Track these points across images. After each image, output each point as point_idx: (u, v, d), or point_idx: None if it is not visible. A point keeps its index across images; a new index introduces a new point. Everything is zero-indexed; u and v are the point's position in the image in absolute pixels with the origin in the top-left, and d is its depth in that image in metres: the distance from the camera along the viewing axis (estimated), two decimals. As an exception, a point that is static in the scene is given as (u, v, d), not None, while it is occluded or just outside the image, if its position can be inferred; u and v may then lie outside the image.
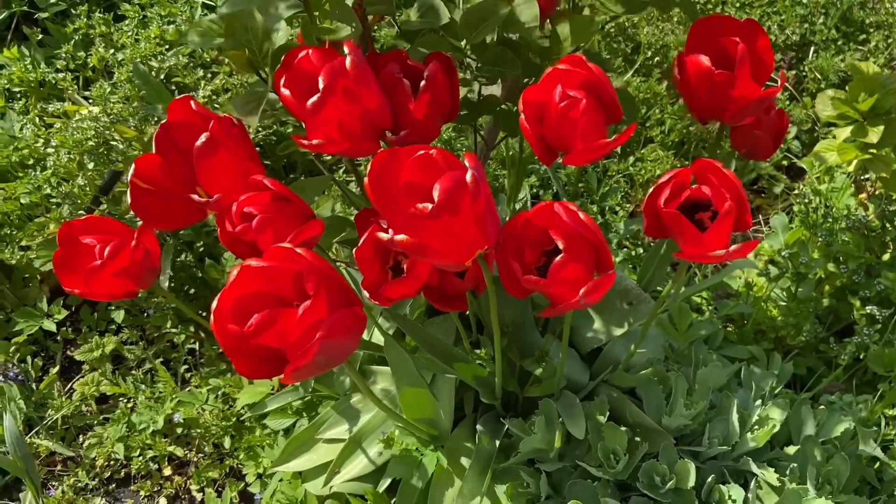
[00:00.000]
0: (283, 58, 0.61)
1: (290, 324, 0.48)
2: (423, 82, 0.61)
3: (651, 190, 0.59)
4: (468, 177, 0.49)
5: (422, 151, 0.50)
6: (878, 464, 0.87)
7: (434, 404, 0.83)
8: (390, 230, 0.50)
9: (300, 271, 0.49)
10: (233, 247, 0.60)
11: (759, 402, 0.84)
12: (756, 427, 0.81)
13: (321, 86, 0.56)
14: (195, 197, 0.60)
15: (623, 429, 0.83)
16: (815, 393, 1.03)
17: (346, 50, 0.57)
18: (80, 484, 1.06)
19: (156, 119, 1.17)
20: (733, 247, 0.56)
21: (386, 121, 0.61)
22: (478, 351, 0.87)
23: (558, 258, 0.54)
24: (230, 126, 0.62)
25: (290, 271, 0.50)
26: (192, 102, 0.62)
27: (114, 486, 1.07)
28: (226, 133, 0.61)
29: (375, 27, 0.71)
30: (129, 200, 0.61)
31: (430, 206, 0.50)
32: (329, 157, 1.28)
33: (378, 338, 0.95)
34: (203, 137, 0.59)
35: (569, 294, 0.55)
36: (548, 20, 0.71)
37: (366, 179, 0.50)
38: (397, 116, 0.62)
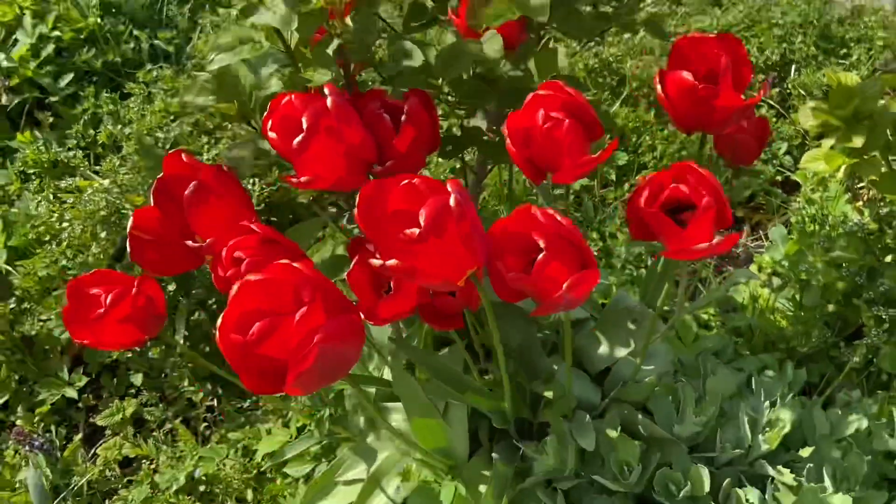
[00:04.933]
0: (269, 105, 0.65)
1: (288, 330, 0.50)
2: (404, 116, 0.65)
3: (632, 194, 0.62)
4: (451, 200, 0.52)
5: (406, 181, 0.53)
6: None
7: (447, 432, 0.84)
8: (380, 257, 0.53)
9: (297, 282, 0.52)
10: (227, 291, 0.63)
11: (768, 406, 0.84)
12: (767, 429, 0.81)
13: (304, 126, 0.60)
14: (190, 242, 0.63)
15: (636, 442, 0.84)
16: (828, 396, 1.03)
17: (326, 91, 0.61)
18: (108, 547, 1.07)
19: (163, 186, 1.22)
20: (716, 239, 0.58)
21: (371, 155, 0.64)
22: (486, 377, 0.88)
23: (540, 256, 0.56)
24: (220, 174, 0.65)
25: (288, 283, 0.52)
26: (182, 155, 0.65)
27: (141, 547, 1.08)
28: (216, 180, 0.65)
29: (358, 76, 0.76)
30: (129, 250, 0.64)
31: (417, 230, 0.52)
32: (335, 210, 1.32)
33: (389, 375, 0.97)
34: (192, 186, 0.63)
35: (554, 290, 0.56)
36: (519, 52, 0.75)
37: (355, 210, 0.52)
38: (382, 151, 0.66)
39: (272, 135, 0.62)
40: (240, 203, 0.67)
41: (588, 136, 0.66)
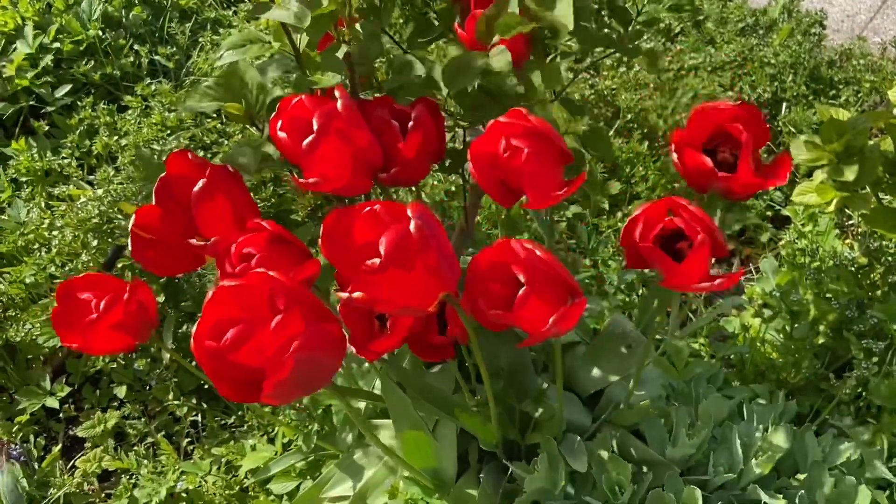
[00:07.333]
0: (277, 106, 0.65)
1: (264, 338, 0.49)
2: (411, 123, 0.65)
3: (626, 224, 0.61)
4: (412, 227, 0.51)
5: (368, 208, 0.52)
6: (888, 490, 0.86)
7: (436, 448, 0.83)
8: (350, 288, 0.51)
9: (272, 290, 0.51)
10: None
11: (761, 431, 0.84)
12: (760, 454, 0.81)
13: (315, 127, 0.60)
14: (193, 241, 0.62)
15: (628, 463, 0.83)
16: (819, 423, 1.03)
17: (336, 94, 0.62)
18: (82, 563, 1.04)
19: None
20: (717, 280, 0.57)
21: (377, 159, 0.65)
22: (477, 398, 0.87)
23: (521, 291, 0.56)
24: (226, 173, 0.65)
25: (263, 290, 0.51)
26: (189, 154, 0.65)
27: (117, 564, 1.05)
28: (222, 180, 0.65)
29: (361, 90, 0.76)
30: (129, 248, 0.64)
31: (377, 261, 0.51)
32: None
33: (379, 390, 0.96)
34: (200, 183, 0.62)
35: (538, 324, 0.56)
36: (525, 67, 0.76)
37: (319, 240, 0.52)
38: (388, 157, 0.66)
39: (282, 134, 0.62)
40: (245, 203, 0.67)
41: (557, 162, 0.63)
